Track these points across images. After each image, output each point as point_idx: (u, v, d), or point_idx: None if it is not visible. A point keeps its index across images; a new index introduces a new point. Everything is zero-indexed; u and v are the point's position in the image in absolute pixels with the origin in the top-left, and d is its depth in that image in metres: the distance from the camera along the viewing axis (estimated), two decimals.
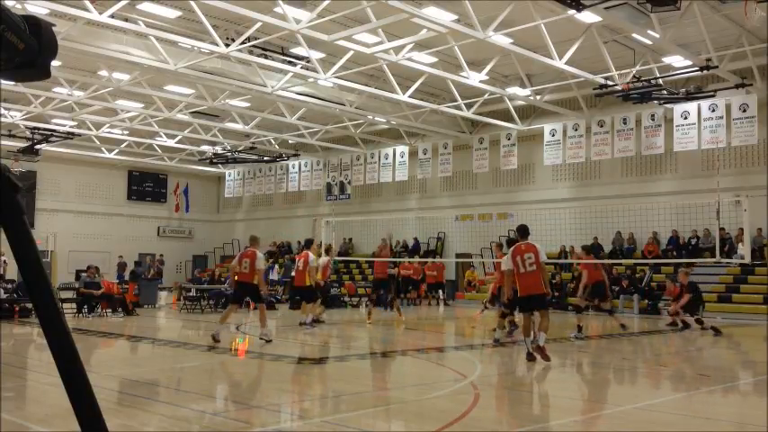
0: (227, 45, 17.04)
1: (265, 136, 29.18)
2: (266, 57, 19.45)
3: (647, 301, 21.65)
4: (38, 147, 27.68)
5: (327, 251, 17.93)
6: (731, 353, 14.29)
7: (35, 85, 21.06)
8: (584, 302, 14.89)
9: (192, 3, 15.01)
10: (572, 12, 14.22)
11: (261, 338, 12.27)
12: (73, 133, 27.51)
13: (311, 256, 15.73)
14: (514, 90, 22.47)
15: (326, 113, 25.53)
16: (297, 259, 14.51)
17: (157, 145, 31.41)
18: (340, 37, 16.29)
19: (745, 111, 19.94)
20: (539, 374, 10.19)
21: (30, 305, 15.06)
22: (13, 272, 21.73)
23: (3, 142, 27.80)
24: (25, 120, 25.88)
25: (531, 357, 10.05)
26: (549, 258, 22.92)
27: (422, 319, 19.62)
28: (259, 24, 15.88)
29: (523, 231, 10.49)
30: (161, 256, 34.69)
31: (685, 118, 21.00)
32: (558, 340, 13.87)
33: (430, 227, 29.22)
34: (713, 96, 20.06)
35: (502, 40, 16.85)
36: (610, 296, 15.47)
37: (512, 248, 10.31)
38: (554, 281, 23.74)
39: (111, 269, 30.02)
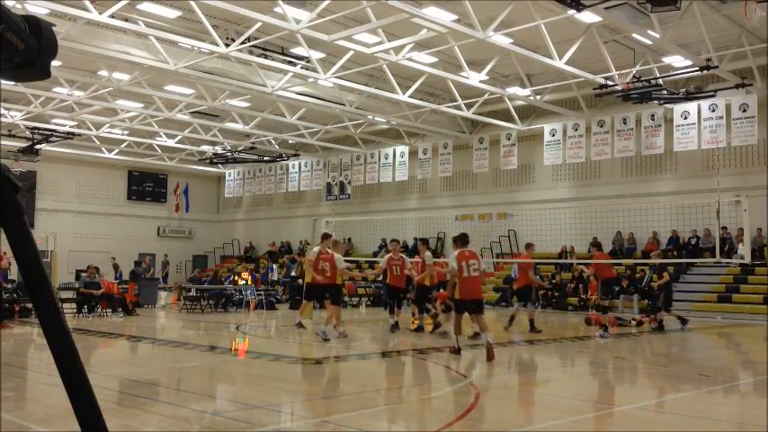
0: (227, 45, 17.04)
1: (265, 136, 29.18)
2: (266, 57, 19.45)
3: (646, 301, 21.65)
4: (38, 147, 27.67)
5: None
6: (731, 353, 14.30)
7: (35, 85, 21.06)
8: (605, 302, 15.00)
9: (192, 3, 15.01)
10: (572, 12, 14.22)
11: (317, 334, 12.80)
12: (73, 133, 27.51)
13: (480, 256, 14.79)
14: (514, 90, 22.46)
15: (326, 113, 25.52)
16: (461, 261, 12.94)
17: (157, 145, 31.40)
18: (340, 37, 16.29)
19: (745, 111, 19.93)
20: (538, 375, 10.21)
21: (30, 305, 15.06)
22: (14, 271, 21.74)
23: (3, 142, 27.80)
24: (25, 120, 25.88)
25: (458, 352, 10.72)
26: (549, 258, 23.02)
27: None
28: (259, 24, 15.88)
29: (464, 239, 11.30)
30: (165, 256, 34.63)
31: (685, 118, 21.00)
32: (558, 340, 13.89)
33: (430, 227, 29.21)
34: (713, 96, 20.05)
35: (502, 40, 16.85)
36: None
37: (457, 252, 10.91)
38: (554, 281, 23.77)
39: (111, 269, 30.02)
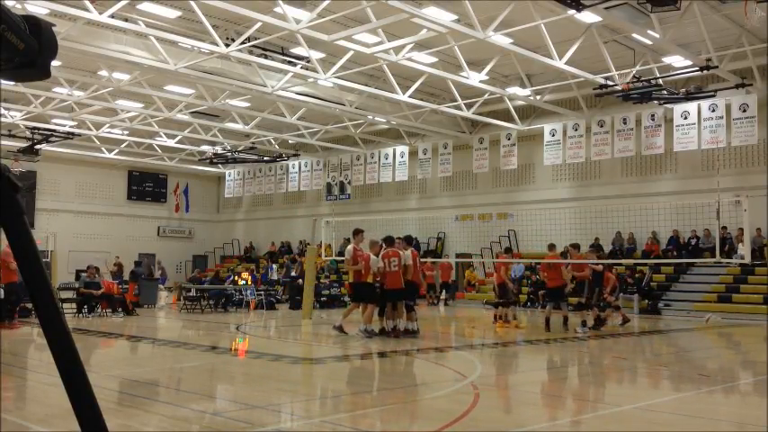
0: (227, 45, 17.04)
1: (265, 136, 29.18)
2: (266, 57, 19.46)
3: (647, 301, 21.66)
4: (38, 147, 27.68)
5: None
6: (731, 353, 14.30)
7: (35, 85, 21.06)
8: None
9: (192, 3, 15.01)
10: (572, 12, 14.22)
11: (359, 333, 13.10)
12: (73, 133, 27.51)
13: (402, 253, 13.64)
14: (514, 90, 22.46)
15: (326, 113, 25.53)
16: (385, 259, 13.30)
17: (157, 145, 31.42)
18: (340, 37, 16.29)
19: (745, 111, 19.93)
20: (538, 375, 10.21)
21: (30, 305, 15.05)
22: None
23: (3, 142, 27.80)
24: (25, 120, 25.88)
25: (398, 335, 13.00)
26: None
27: (422, 319, 19.63)
28: (259, 24, 15.88)
29: (389, 241, 13.75)
30: (159, 262, 34.51)
31: (685, 118, 21.00)
32: (558, 340, 13.89)
33: (430, 227, 29.22)
34: (713, 96, 20.05)
35: (502, 40, 16.85)
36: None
37: (383, 252, 13.35)
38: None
39: (114, 268, 29.99)
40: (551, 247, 16.21)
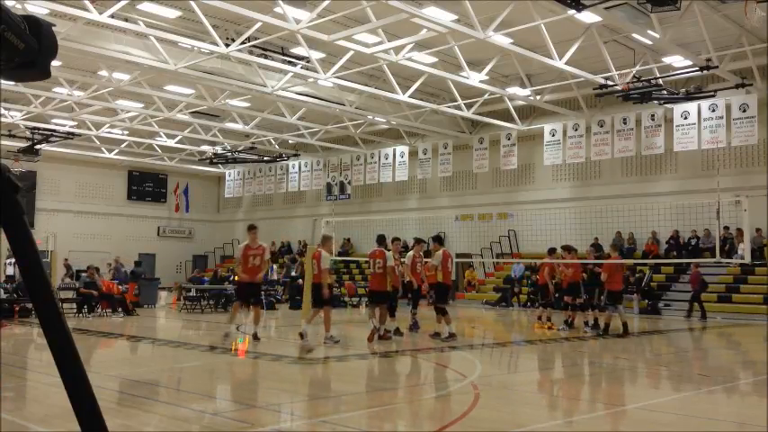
0: (227, 45, 17.05)
1: (265, 136, 29.20)
2: (266, 57, 19.47)
3: (647, 301, 21.66)
4: (38, 147, 27.69)
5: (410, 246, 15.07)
6: (731, 353, 14.30)
7: (35, 85, 21.06)
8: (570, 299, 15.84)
9: (192, 3, 15.02)
10: (572, 12, 14.22)
11: (325, 342, 12.22)
12: (73, 133, 27.52)
13: (388, 254, 13.24)
14: (514, 90, 22.46)
15: (326, 113, 25.53)
16: (371, 259, 13.10)
17: (157, 145, 31.43)
18: (340, 37, 16.30)
19: (745, 111, 19.93)
20: (538, 375, 10.21)
21: (30, 305, 15.05)
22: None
23: (3, 142, 27.81)
24: (25, 120, 25.89)
25: (381, 337, 12.54)
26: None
27: (423, 319, 19.60)
28: (259, 24, 15.89)
29: (378, 240, 13.37)
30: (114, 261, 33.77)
31: (685, 118, 21.00)
32: (558, 340, 13.89)
33: (430, 227, 29.19)
34: (713, 96, 20.05)
35: (502, 40, 16.85)
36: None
37: (369, 252, 13.13)
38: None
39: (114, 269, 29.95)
40: (615, 247, 15.87)
